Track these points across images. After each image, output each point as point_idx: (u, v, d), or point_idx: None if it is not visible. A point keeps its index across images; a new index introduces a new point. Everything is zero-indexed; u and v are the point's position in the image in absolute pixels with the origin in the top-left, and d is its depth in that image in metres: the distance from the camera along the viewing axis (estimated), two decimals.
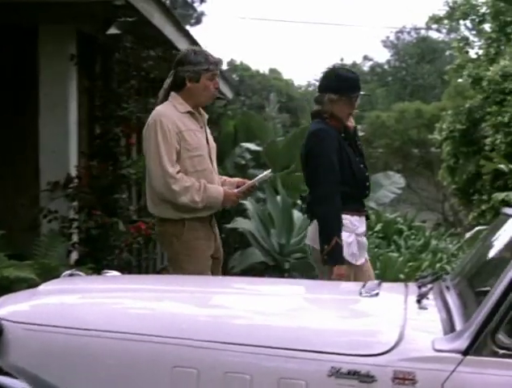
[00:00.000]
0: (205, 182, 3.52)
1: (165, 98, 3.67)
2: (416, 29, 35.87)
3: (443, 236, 10.02)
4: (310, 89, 34.11)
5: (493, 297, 2.08)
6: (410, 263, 7.30)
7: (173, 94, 3.65)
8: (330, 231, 3.54)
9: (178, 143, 3.51)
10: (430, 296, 2.44)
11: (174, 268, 3.58)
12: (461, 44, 15.65)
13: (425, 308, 2.34)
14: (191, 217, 3.52)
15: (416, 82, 33.72)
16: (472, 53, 15.62)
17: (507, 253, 2.48)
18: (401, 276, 6.69)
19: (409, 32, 37.12)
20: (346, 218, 3.64)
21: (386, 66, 37.84)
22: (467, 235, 5.94)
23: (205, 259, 3.56)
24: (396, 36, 37.74)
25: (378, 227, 9.37)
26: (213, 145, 3.75)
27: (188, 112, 3.61)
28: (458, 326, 2.15)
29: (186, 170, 3.52)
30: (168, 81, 3.72)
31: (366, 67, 39.19)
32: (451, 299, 2.37)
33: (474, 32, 16.85)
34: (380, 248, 8.24)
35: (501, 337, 2.05)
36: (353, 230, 3.67)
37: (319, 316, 2.41)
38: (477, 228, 5.18)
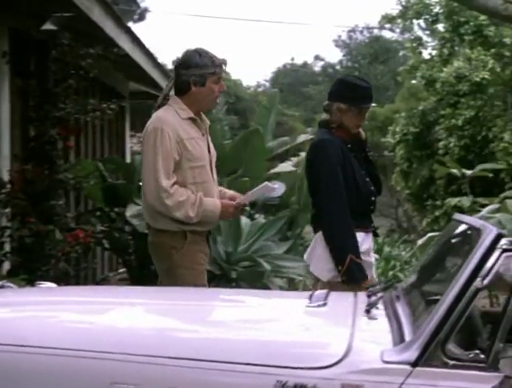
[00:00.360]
0: (201, 195, 3.46)
1: (164, 102, 3.62)
2: (369, 28, 36.45)
3: (397, 243, 10.20)
4: (260, 89, 34.26)
5: (443, 307, 2.13)
6: None
7: (174, 97, 3.61)
8: (342, 249, 3.48)
9: (179, 153, 3.46)
10: (380, 305, 2.49)
11: (169, 281, 3.51)
12: (414, 45, 15.93)
13: (374, 318, 2.38)
14: (191, 229, 3.50)
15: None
16: (426, 54, 15.95)
17: (458, 260, 2.55)
18: None
19: (361, 32, 37.72)
20: None
21: (338, 67, 38.33)
22: (420, 242, 6.07)
23: (204, 272, 3.56)
24: (348, 36, 38.31)
25: None
26: (214, 153, 3.71)
27: (190, 119, 3.57)
28: (407, 336, 2.20)
29: (185, 181, 3.49)
30: (169, 85, 3.69)
31: (317, 67, 39.66)
32: (402, 308, 2.42)
33: (428, 32, 17.21)
34: None
35: (451, 347, 2.10)
36: None
37: (265, 328, 2.43)
38: (429, 234, 5.31)
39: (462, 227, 2.69)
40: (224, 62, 3.60)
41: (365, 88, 3.66)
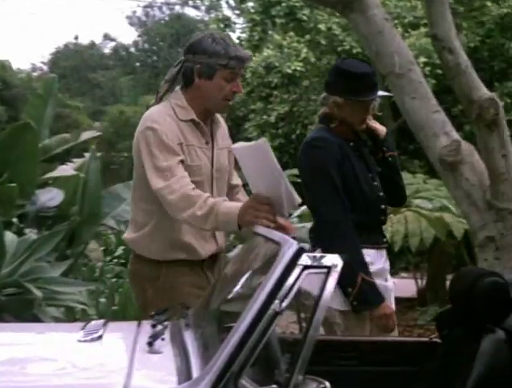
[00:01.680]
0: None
1: (167, 93, 3.41)
2: (169, 4, 36.76)
3: None
4: (35, 74, 33.30)
5: (236, 336, 2.19)
6: None
7: (176, 92, 3.42)
8: (350, 268, 3.30)
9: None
10: (166, 336, 2.51)
11: None
12: (221, 26, 16.25)
13: (158, 352, 2.41)
14: (173, 258, 3.33)
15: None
16: (235, 37, 16.33)
17: (255, 280, 2.63)
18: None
19: (160, 8, 37.92)
20: None
21: (133, 49, 38.24)
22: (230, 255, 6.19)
23: None
24: (144, 12, 38.40)
25: (119, 251, 9.44)
26: (222, 166, 3.48)
27: (191, 121, 3.38)
28: (195, 372, 2.24)
29: None
30: (173, 71, 3.41)
31: (107, 49, 39.32)
32: (190, 339, 2.47)
33: (237, 12, 17.67)
34: (122, 277, 8.28)
35: (245, 383, 2.17)
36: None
37: (23, 371, 2.36)
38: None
39: (261, 241, 2.78)
40: (245, 58, 3.38)
41: (363, 76, 3.50)
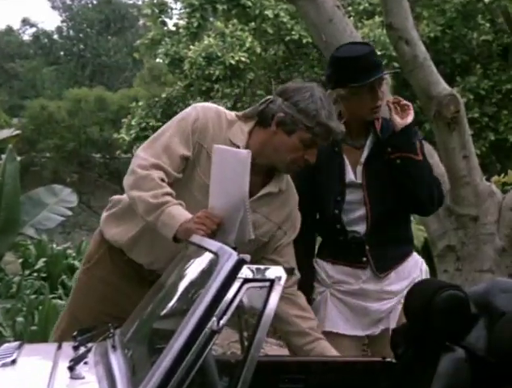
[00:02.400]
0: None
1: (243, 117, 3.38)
2: None
3: None
4: None
5: (168, 358, 2.19)
6: None
7: (249, 121, 3.38)
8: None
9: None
10: (90, 359, 2.49)
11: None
12: (156, 11, 16.11)
13: (80, 377, 2.39)
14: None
15: (98, 61, 34.36)
16: (170, 24, 16.24)
17: (191, 295, 2.62)
18: None
19: None
20: (322, 267, 3.65)
21: (56, 36, 37.90)
22: None
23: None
24: None
25: (40, 264, 9.34)
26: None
27: (234, 144, 3.29)
28: None
29: None
30: (256, 108, 3.37)
31: (26, 36, 38.87)
32: (117, 362, 2.45)
33: None
34: (42, 293, 8.20)
35: None
36: (329, 285, 3.62)
37: None
38: None
39: (198, 251, 2.77)
40: (335, 131, 3.27)
41: (360, 58, 3.52)
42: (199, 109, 3.35)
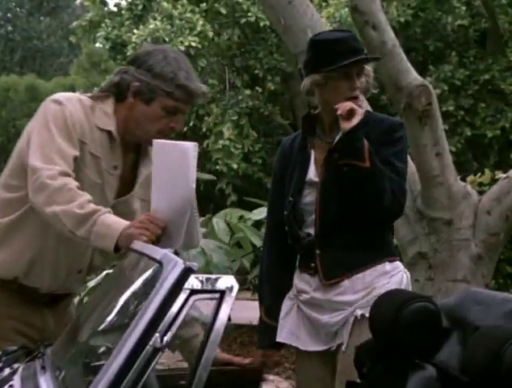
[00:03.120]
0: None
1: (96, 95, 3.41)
2: None
3: None
4: None
5: (104, 380, 2.18)
6: None
7: (109, 98, 3.40)
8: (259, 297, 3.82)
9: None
10: (16, 382, 2.47)
11: None
12: None
13: None
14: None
15: (29, 44, 34.12)
16: (112, 4, 16.24)
17: (132, 308, 2.62)
18: None
19: None
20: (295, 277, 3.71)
21: None
22: (92, 283, 6.13)
23: None
24: None
25: None
26: (122, 210, 3.32)
27: (107, 132, 3.34)
28: None
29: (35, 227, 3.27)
30: (112, 80, 3.41)
31: None
32: (48, 385, 2.43)
33: None
34: None
35: None
36: (295, 294, 3.67)
37: None
38: (107, 271, 5.40)
39: (139, 259, 2.77)
40: (196, 92, 3.33)
41: (339, 40, 3.56)
42: (66, 103, 3.30)
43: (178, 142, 3.05)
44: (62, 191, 3.08)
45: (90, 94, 3.45)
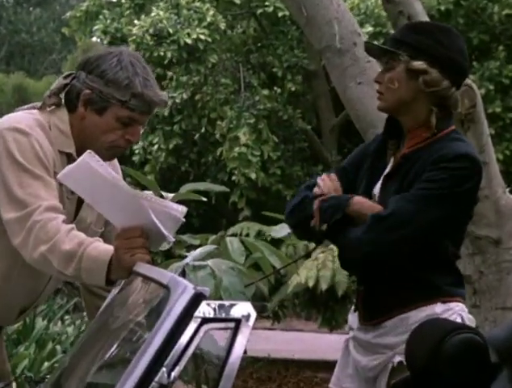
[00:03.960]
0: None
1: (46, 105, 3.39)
2: None
3: (55, 314, 10.24)
4: None
5: None
6: None
7: (62, 110, 3.42)
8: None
9: None
10: None
11: None
12: None
13: None
14: None
15: (17, 39, 34.29)
16: None
17: (136, 338, 2.63)
18: None
19: None
20: None
21: None
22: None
23: None
24: None
25: None
26: (89, 218, 3.46)
27: (67, 155, 3.37)
28: None
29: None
30: (61, 82, 3.41)
31: None
32: None
33: None
34: None
35: None
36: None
37: None
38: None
39: (143, 283, 2.77)
40: (155, 100, 3.36)
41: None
42: (29, 131, 3.29)
43: (75, 164, 2.99)
44: (44, 228, 3.10)
45: (40, 105, 3.44)
